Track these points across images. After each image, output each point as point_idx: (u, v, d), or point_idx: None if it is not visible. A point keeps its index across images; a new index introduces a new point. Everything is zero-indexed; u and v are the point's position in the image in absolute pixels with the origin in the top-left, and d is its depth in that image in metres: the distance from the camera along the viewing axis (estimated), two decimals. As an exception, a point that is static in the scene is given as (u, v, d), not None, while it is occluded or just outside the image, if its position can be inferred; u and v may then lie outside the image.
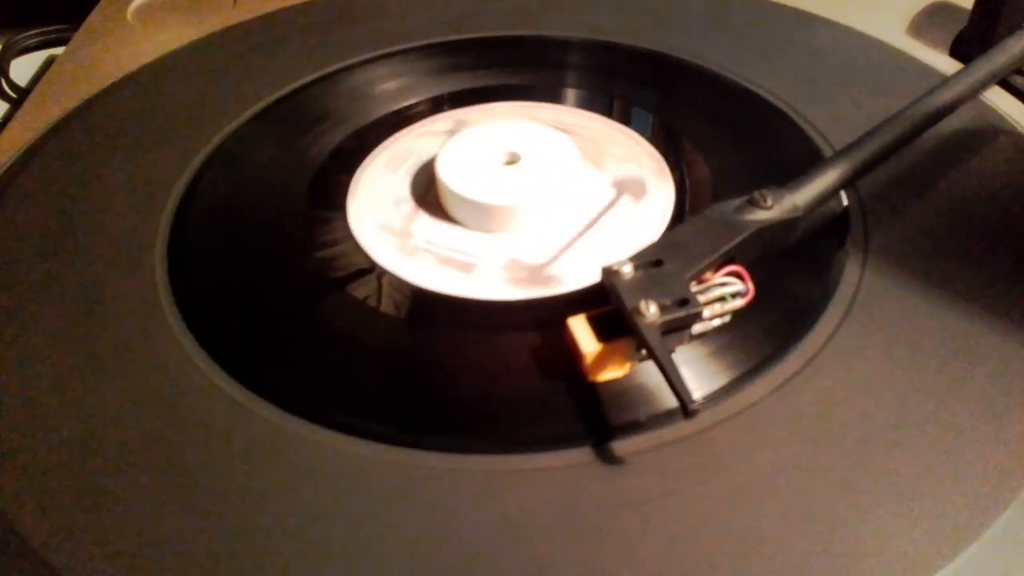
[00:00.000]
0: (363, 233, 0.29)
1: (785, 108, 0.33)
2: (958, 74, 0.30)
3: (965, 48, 0.37)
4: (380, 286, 0.27)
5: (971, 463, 0.21)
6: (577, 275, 0.27)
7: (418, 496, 0.21)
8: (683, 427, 0.22)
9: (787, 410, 0.23)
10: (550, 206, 0.28)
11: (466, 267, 0.27)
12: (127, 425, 0.23)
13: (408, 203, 0.30)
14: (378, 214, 0.29)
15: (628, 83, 0.36)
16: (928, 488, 0.21)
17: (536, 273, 0.27)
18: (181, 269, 0.28)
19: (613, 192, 0.30)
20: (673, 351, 0.22)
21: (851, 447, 0.22)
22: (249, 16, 0.41)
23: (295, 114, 0.35)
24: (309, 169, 0.32)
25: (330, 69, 0.37)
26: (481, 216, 0.28)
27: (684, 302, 0.22)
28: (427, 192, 0.30)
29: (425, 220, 0.29)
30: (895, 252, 0.27)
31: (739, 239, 0.24)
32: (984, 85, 0.30)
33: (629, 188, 0.30)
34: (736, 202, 0.25)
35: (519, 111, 0.34)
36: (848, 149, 0.27)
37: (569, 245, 0.28)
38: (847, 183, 0.27)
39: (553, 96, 0.35)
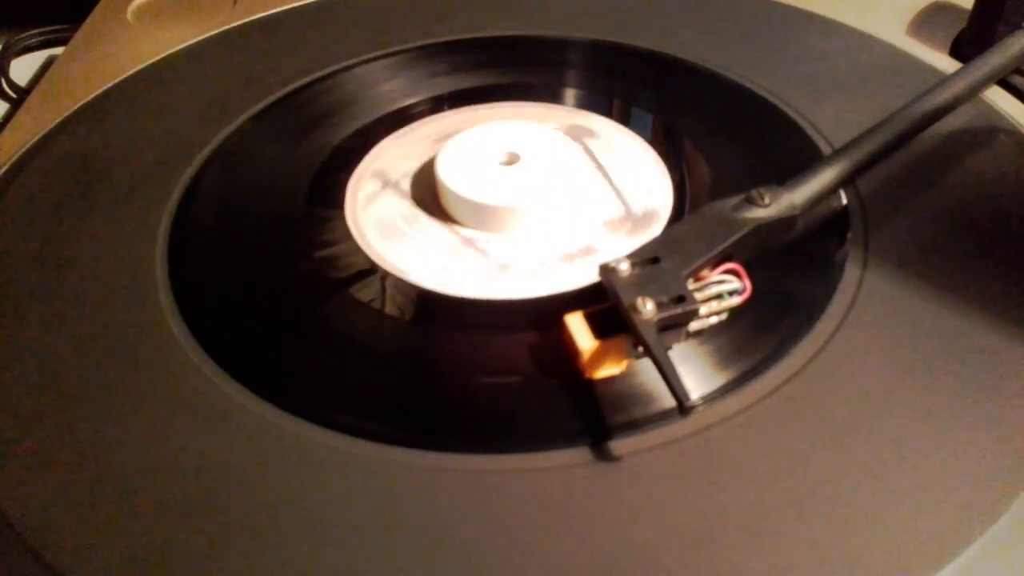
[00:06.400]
0: (363, 233, 0.29)
1: (785, 108, 0.33)
2: (957, 73, 0.30)
3: (965, 48, 0.37)
4: (380, 287, 0.27)
5: (971, 463, 0.21)
6: (575, 274, 0.27)
7: (416, 495, 0.21)
8: (682, 427, 0.22)
9: (787, 410, 0.22)
10: (550, 206, 0.28)
11: (465, 267, 0.27)
12: (126, 425, 0.23)
13: (408, 203, 0.30)
14: (378, 214, 0.29)
15: (628, 83, 0.36)
16: (928, 488, 0.20)
17: (535, 273, 0.27)
18: (182, 269, 0.28)
19: (612, 189, 0.30)
20: (670, 348, 0.22)
21: (851, 447, 0.21)
22: (249, 16, 0.41)
23: (295, 114, 0.35)
24: (309, 169, 0.32)
25: (330, 69, 0.37)
26: (481, 216, 0.28)
27: (681, 299, 0.22)
28: (427, 192, 0.30)
29: (425, 220, 0.29)
30: (895, 251, 0.27)
31: (736, 237, 0.24)
32: (983, 85, 0.30)
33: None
34: (734, 200, 0.25)
35: (517, 112, 0.34)
36: (846, 148, 0.27)
37: (568, 244, 0.28)
38: (845, 182, 0.27)
39: (553, 96, 0.35)
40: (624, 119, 0.34)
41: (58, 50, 0.43)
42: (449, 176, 0.29)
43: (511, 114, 0.34)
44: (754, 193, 0.25)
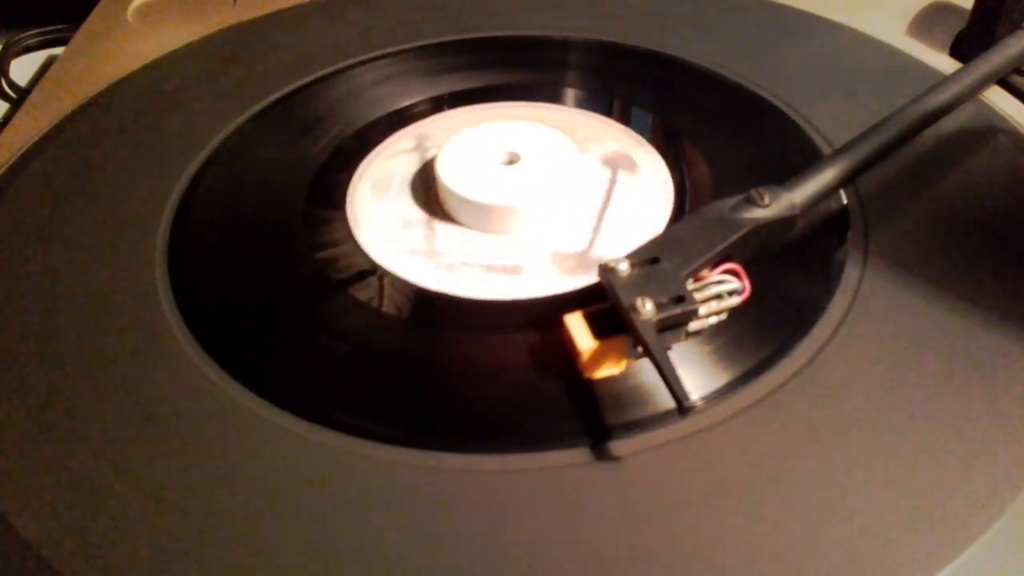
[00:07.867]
0: (363, 233, 0.29)
1: (785, 108, 0.33)
2: (957, 73, 0.30)
3: (965, 48, 0.37)
4: (380, 287, 0.27)
5: (971, 463, 0.21)
6: (576, 275, 0.27)
7: (415, 495, 0.21)
8: (682, 427, 0.22)
9: (787, 410, 0.22)
10: (550, 206, 0.28)
11: (465, 267, 0.27)
12: (127, 425, 0.23)
13: (408, 203, 0.30)
14: (378, 214, 0.29)
15: (628, 83, 0.36)
16: (928, 488, 0.20)
17: (534, 273, 0.27)
18: (181, 269, 0.28)
19: (611, 189, 0.30)
20: (669, 348, 0.22)
21: (851, 447, 0.21)
22: (249, 16, 0.41)
23: (295, 114, 0.35)
24: (309, 169, 0.32)
25: (330, 69, 0.37)
26: (481, 216, 0.28)
27: (680, 299, 0.22)
28: (427, 192, 0.30)
29: (425, 220, 0.29)
30: (895, 251, 0.27)
31: (736, 237, 0.24)
32: (983, 85, 0.30)
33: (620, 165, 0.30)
34: (733, 200, 0.25)
35: (517, 112, 0.34)
36: (845, 148, 0.27)
37: (568, 244, 0.28)
38: (844, 182, 0.27)
39: (552, 96, 0.35)
40: (624, 119, 0.34)
41: (58, 50, 0.43)
42: (449, 176, 0.29)
43: (511, 114, 0.34)
44: (754, 193, 0.25)
